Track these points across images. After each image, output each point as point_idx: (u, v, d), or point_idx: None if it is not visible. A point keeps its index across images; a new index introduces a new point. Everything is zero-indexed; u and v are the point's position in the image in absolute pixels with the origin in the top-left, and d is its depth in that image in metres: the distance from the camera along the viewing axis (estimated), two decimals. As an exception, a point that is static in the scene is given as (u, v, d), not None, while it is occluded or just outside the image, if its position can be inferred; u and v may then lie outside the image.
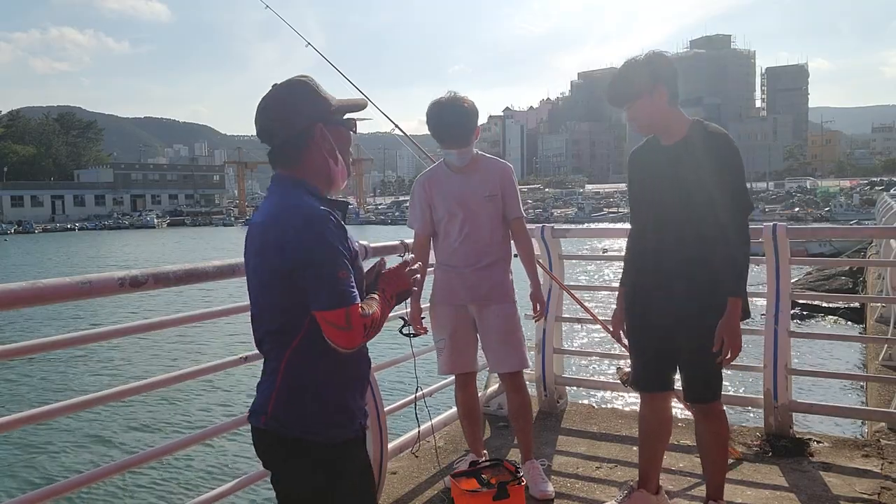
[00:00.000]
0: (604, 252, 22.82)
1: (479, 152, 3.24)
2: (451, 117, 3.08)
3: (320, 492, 1.75)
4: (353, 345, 1.67)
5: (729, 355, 2.61)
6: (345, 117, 1.87)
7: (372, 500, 1.93)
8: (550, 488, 3.27)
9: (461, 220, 3.18)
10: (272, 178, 1.85)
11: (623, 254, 3.00)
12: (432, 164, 3.41)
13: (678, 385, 2.88)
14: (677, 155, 2.67)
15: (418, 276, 1.90)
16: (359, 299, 1.69)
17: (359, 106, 1.89)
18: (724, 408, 2.85)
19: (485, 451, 3.49)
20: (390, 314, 1.84)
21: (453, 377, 3.45)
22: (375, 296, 1.79)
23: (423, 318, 3.35)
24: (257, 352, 2.28)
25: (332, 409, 1.77)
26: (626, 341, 2.99)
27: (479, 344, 3.35)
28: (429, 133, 3.20)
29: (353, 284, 1.68)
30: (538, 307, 3.31)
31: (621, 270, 2.98)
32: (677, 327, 2.71)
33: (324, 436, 1.75)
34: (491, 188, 3.18)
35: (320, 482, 1.74)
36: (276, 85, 1.82)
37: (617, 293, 2.99)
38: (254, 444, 1.82)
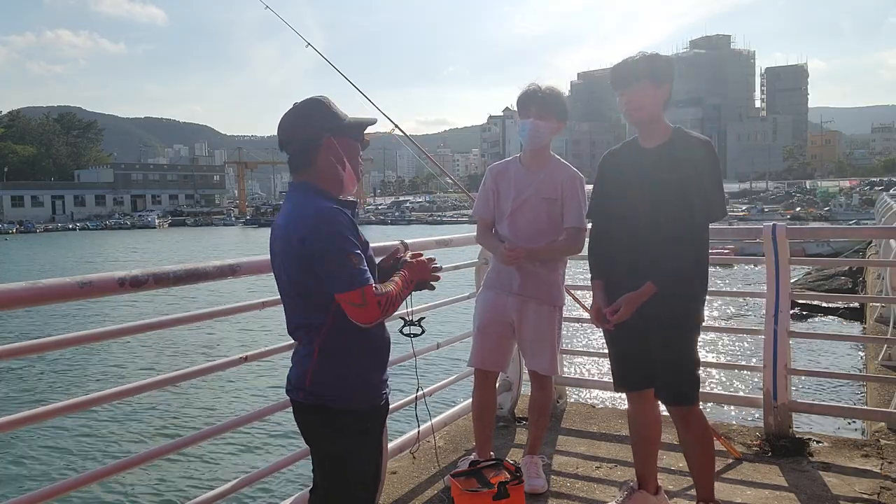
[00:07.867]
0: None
1: (556, 156, 3.32)
2: (543, 90, 3.22)
3: (351, 450, 2.05)
4: (370, 320, 1.92)
5: (612, 320, 2.73)
6: (355, 131, 2.09)
7: (380, 460, 2.19)
8: (541, 483, 3.28)
9: (518, 215, 3.24)
10: (290, 185, 2.12)
11: (588, 250, 2.99)
12: (506, 159, 3.48)
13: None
14: (658, 158, 2.69)
15: (439, 273, 2.18)
16: (372, 280, 1.92)
17: (368, 122, 2.13)
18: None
19: (491, 453, 3.48)
20: (392, 311, 2.02)
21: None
22: (396, 278, 2.04)
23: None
24: (257, 351, 2.32)
25: (359, 382, 2.04)
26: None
27: (515, 346, 3.36)
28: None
29: (366, 267, 1.92)
30: (514, 250, 3.11)
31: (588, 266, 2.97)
32: (649, 328, 2.71)
33: (353, 404, 2.02)
34: (551, 191, 3.22)
35: (351, 443, 2.04)
36: (295, 103, 2.06)
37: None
38: (294, 415, 2.11)
